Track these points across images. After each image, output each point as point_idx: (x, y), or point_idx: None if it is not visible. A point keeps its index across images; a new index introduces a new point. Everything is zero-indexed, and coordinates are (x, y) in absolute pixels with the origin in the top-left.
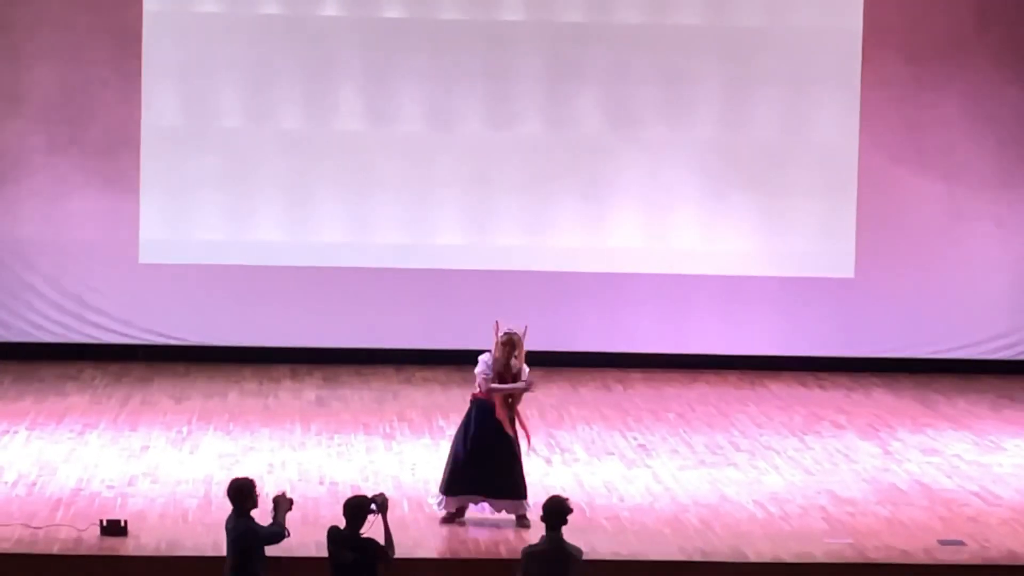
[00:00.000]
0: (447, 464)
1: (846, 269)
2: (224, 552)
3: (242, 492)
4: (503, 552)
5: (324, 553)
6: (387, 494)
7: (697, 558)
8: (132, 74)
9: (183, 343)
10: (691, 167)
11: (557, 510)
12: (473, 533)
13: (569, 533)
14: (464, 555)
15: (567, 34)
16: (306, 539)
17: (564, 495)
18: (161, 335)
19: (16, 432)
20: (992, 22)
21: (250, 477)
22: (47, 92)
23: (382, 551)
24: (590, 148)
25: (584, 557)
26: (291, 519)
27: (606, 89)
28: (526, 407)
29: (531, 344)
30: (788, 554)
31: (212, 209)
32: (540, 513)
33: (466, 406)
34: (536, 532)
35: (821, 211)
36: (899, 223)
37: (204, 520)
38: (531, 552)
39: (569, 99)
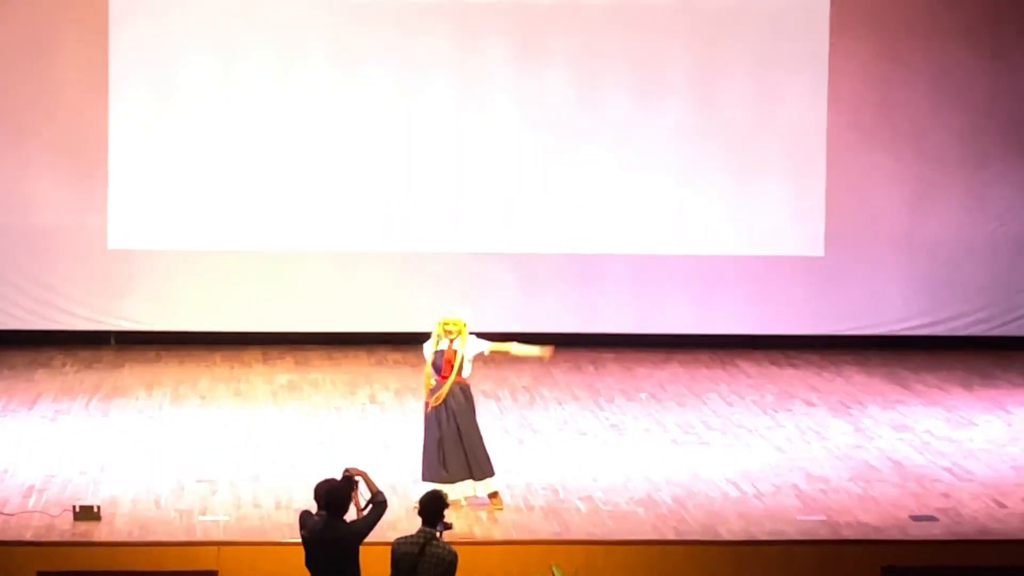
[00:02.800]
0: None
1: (816, 248)
2: (200, 538)
3: (341, 494)
4: (477, 535)
5: (297, 537)
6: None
7: (671, 537)
8: (100, 59)
9: (153, 329)
10: (660, 148)
11: (430, 506)
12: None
13: (543, 515)
14: None
15: (536, 15)
16: (280, 523)
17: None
18: (131, 321)
19: None
20: None
21: (336, 479)
22: (14, 78)
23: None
24: (559, 129)
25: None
26: (266, 505)
27: (575, 70)
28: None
29: (502, 326)
30: (761, 532)
31: (181, 195)
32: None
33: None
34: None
35: (791, 191)
36: (869, 202)
37: (176, 505)
38: (396, 542)
39: (538, 80)
